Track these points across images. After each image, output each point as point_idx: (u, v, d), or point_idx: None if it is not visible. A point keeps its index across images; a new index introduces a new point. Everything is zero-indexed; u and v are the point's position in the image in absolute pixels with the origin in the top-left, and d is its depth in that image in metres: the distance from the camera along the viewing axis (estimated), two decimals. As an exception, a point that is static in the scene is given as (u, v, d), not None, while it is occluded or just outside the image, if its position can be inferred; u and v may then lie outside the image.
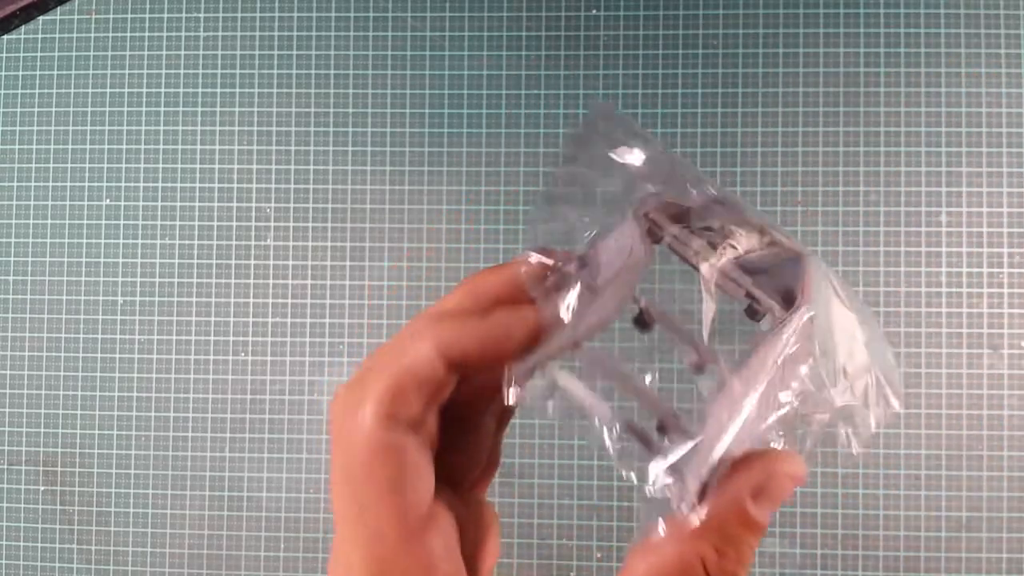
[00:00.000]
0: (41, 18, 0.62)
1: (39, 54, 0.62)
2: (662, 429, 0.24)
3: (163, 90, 0.62)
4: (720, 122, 0.58)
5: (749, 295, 0.27)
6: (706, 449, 0.22)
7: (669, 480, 0.21)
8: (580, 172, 0.27)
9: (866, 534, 0.56)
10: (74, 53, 0.62)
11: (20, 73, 0.62)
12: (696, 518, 0.20)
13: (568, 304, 0.24)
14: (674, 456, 0.22)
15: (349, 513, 0.20)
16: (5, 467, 0.61)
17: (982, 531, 0.56)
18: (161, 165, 0.61)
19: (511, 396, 0.22)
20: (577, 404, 0.24)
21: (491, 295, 0.22)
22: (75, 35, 0.62)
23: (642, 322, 0.27)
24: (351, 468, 0.20)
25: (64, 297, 0.61)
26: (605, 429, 0.23)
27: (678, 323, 0.27)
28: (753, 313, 0.26)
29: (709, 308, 0.26)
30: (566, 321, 0.23)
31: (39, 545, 0.60)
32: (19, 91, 0.62)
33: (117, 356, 0.61)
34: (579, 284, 0.24)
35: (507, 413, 0.25)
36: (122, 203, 0.62)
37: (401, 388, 0.20)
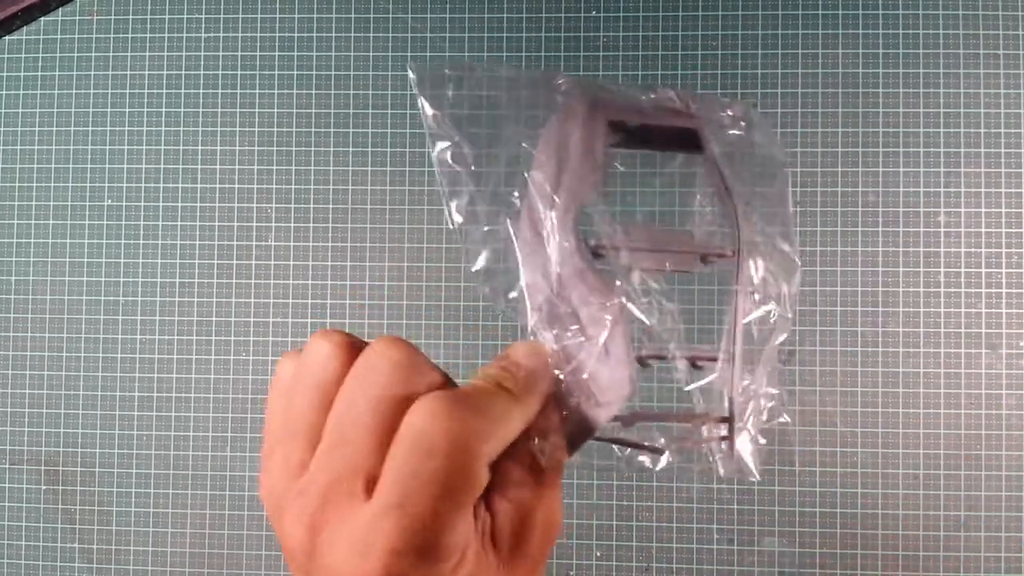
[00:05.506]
0: (43, 19, 0.62)
1: (41, 55, 0.62)
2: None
3: (164, 90, 0.62)
4: (719, 122, 0.58)
5: (691, 254, 0.29)
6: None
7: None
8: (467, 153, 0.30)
9: (865, 533, 0.56)
10: (76, 54, 0.62)
11: (22, 74, 0.62)
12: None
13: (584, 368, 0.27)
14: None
15: (394, 488, 0.24)
16: (6, 467, 0.61)
17: (980, 530, 0.56)
18: (161, 165, 0.62)
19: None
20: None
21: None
22: (77, 36, 0.62)
23: (642, 361, 0.29)
24: (429, 468, 0.24)
25: (64, 297, 0.62)
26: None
27: (664, 344, 0.30)
28: (705, 261, 0.28)
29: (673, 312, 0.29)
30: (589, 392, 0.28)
31: (40, 545, 0.61)
32: (21, 92, 0.62)
33: (117, 356, 0.61)
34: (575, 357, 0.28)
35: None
36: (122, 203, 0.62)
37: (501, 445, 0.26)
